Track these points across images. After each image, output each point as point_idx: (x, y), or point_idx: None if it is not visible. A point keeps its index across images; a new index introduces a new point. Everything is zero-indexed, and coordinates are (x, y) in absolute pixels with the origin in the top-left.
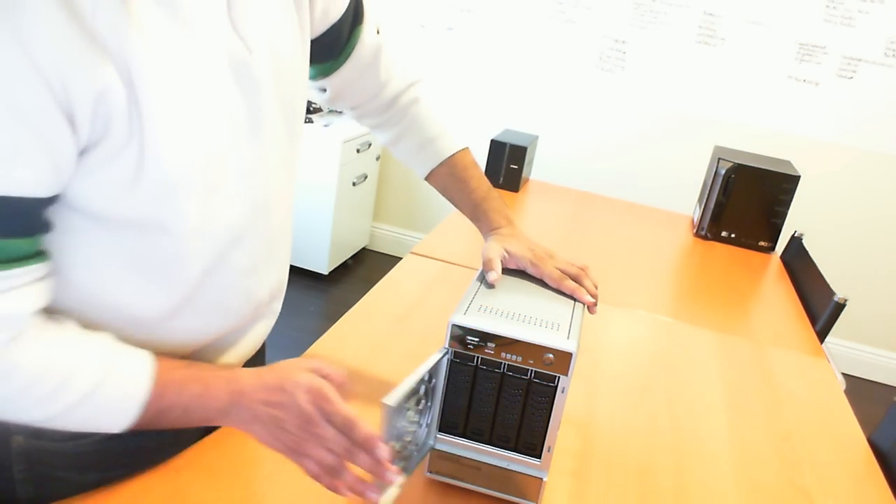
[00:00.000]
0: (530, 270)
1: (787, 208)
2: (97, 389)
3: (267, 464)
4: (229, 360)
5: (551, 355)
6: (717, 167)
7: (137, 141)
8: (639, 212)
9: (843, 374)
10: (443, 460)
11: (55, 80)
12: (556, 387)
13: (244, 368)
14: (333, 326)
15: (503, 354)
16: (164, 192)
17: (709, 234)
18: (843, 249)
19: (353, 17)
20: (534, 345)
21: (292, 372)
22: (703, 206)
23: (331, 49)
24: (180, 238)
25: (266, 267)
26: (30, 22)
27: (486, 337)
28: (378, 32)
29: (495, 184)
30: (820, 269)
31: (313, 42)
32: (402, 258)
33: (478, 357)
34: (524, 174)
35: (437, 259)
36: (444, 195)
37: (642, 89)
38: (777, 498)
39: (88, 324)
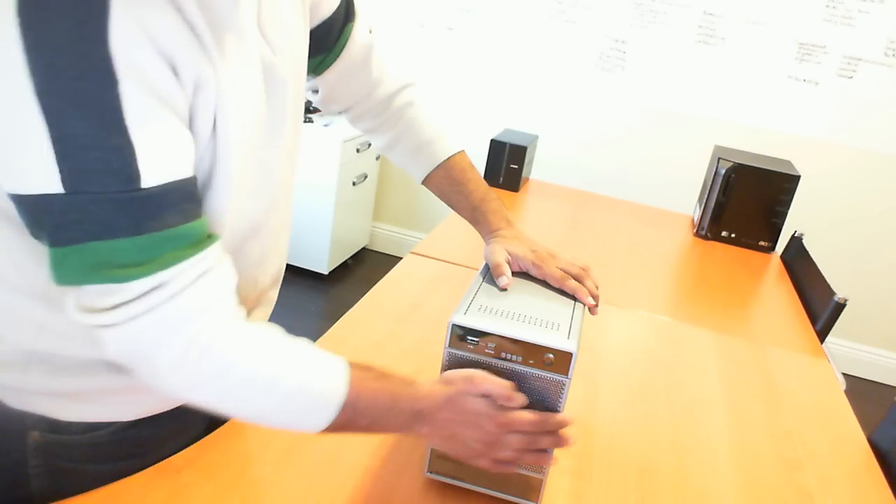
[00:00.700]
0: (533, 272)
1: (787, 208)
2: (303, 389)
3: (267, 464)
4: None
5: (551, 355)
6: (717, 167)
7: (213, 140)
8: (639, 212)
9: (843, 374)
10: (443, 460)
11: (171, 58)
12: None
13: (427, 384)
14: (333, 326)
15: (503, 354)
16: (225, 189)
17: (709, 234)
18: (843, 249)
19: (345, 15)
20: (534, 345)
21: (468, 401)
22: (703, 206)
23: (321, 44)
24: (220, 229)
25: (272, 257)
26: (151, 16)
27: (485, 337)
28: (370, 32)
29: (495, 184)
30: (820, 268)
31: None
32: (402, 258)
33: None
34: (524, 174)
35: (437, 259)
36: (441, 199)
37: (642, 89)
38: (777, 498)
39: None
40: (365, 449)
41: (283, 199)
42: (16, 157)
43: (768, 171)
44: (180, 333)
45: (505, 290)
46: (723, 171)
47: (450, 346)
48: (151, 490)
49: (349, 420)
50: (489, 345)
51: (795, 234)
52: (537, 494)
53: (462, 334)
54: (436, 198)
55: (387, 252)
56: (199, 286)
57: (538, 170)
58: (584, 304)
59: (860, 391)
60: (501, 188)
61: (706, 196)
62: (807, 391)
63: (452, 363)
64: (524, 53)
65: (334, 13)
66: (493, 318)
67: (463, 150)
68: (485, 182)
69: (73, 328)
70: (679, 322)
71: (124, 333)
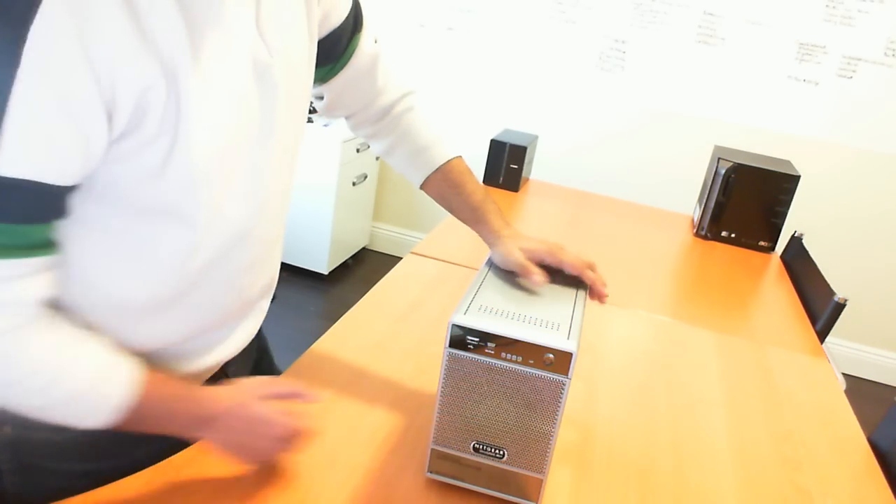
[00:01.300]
0: (548, 260)
1: (787, 208)
2: (83, 394)
3: (267, 464)
4: (219, 356)
5: (551, 355)
6: (717, 167)
7: (171, 133)
8: (639, 212)
9: (843, 374)
10: (443, 460)
11: (105, 76)
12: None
13: (214, 394)
14: (333, 326)
15: (503, 354)
16: (187, 183)
17: (709, 234)
18: (843, 249)
19: (353, 25)
20: (534, 345)
21: (249, 410)
22: (703, 206)
23: (329, 54)
24: (193, 230)
25: (262, 266)
26: (93, 17)
27: (486, 337)
28: (376, 42)
29: (495, 184)
30: (820, 268)
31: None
32: (402, 258)
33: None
34: (524, 174)
35: (437, 259)
36: (440, 203)
37: (642, 89)
38: (777, 498)
39: (80, 309)
40: (365, 449)
41: (274, 206)
42: None
43: (768, 171)
44: None
45: (539, 286)
46: (723, 171)
47: (450, 346)
48: (151, 490)
49: (135, 422)
50: (489, 345)
51: (795, 234)
52: (537, 494)
53: (462, 335)
54: None
55: (387, 252)
56: (3, 287)
57: (538, 170)
58: (601, 296)
59: (860, 391)
60: (501, 188)
61: (706, 196)
62: (807, 391)
63: (453, 363)
64: (524, 53)
65: (343, 23)
66: (493, 318)
67: (460, 156)
68: (483, 186)
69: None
70: (679, 322)
71: None
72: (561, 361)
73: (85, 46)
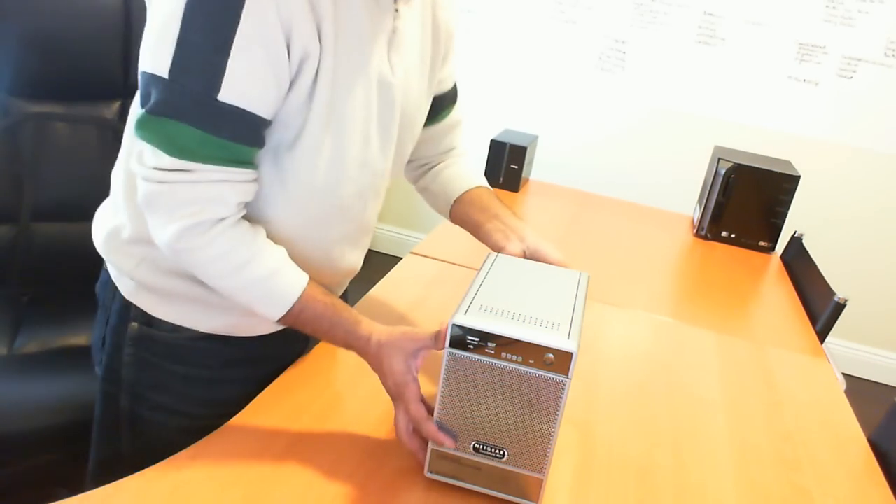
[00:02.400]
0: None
1: (787, 208)
2: (268, 279)
3: (268, 463)
4: None
5: (552, 355)
6: (717, 167)
7: (306, 112)
8: (639, 212)
9: (844, 374)
10: (443, 460)
11: (287, 31)
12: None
13: (368, 326)
14: None
15: (503, 354)
16: (309, 155)
17: (709, 235)
18: (843, 249)
19: (453, 96)
20: (534, 345)
21: (388, 358)
22: (703, 206)
23: (428, 113)
24: (307, 191)
25: (352, 247)
26: None
27: (485, 337)
28: (458, 111)
29: (495, 184)
30: (820, 269)
31: None
32: (402, 258)
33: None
34: (524, 174)
35: (437, 259)
36: (468, 228)
37: (642, 89)
38: (777, 498)
39: None
40: (365, 449)
41: (371, 200)
42: (155, 45)
43: (768, 171)
44: (180, 208)
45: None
46: (723, 172)
47: (450, 346)
48: (152, 488)
49: (294, 323)
50: (489, 345)
51: (795, 235)
52: (537, 494)
53: (462, 335)
54: None
55: (387, 252)
56: (213, 185)
57: (538, 170)
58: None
59: (860, 391)
60: (501, 188)
61: (706, 196)
62: (807, 391)
63: (453, 364)
64: (524, 53)
65: (448, 92)
66: (493, 318)
67: (486, 186)
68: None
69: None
70: (679, 322)
71: (149, 188)
72: (561, 361)
73: (278, 5)
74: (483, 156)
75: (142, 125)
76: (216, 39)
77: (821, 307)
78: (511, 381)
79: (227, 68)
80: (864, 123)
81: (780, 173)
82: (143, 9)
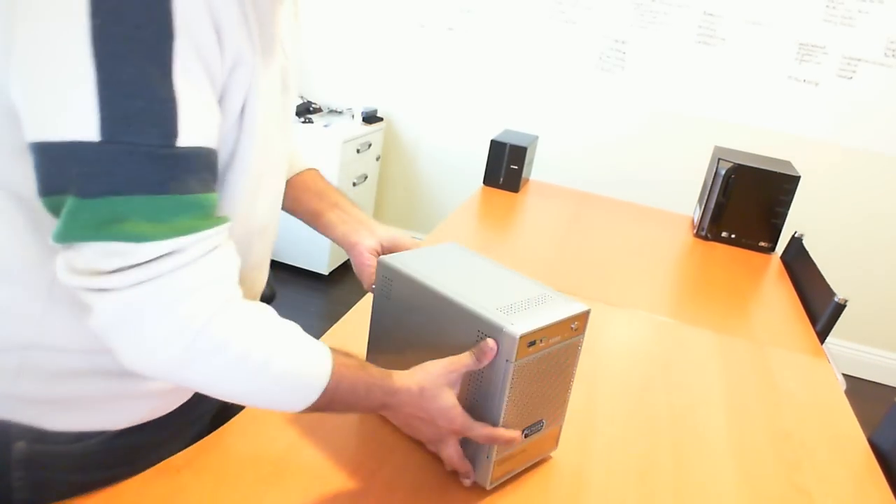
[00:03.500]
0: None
1: (787, 208)
2: (291, 372)
3: (267, 464)
4: None
5: (576, 322)
6: (717, 167)
7: (241, 119)
8: (639, 212)
9: (844, 374)
10: (501, 464)
11: (218, 27)
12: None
13: (401, 379)
14: (333, 326)
15: (549, 341)
16: (235, 176)
17: (709, 235)
18: (843, 249)
19: None
20: (567, 318)
21: (434, 400)
22: (703, 207)
23: None
24: (232, 212)
25: (266, 263)
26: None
27: (538, 334)
28: None
29: (495, 184)
30: (820, 269)
31: None
32: None
33: None
34: (524, 174)
35: None
36: (298, 215)
37: (642, 89)
38: (777, 498)
39: None
40: (365, 449)
41: (279, 205)
42: (53, 101)
43: (768, 171)
44: (181, 306)
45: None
46: (723, 172)
47: (516, 359)
48: (151, 490)
49: (327, 404)
50: (540, 340)
51: (795, 235)
52: (556, 441)
53: (523, 344)
54: (436, 198)
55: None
56: (207, 260)
57: (538, 170)
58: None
59: (860, 392)
60: (501, 189)
61: (706, 196)
62: (807, 391)
63: (517, 373)
64: (524, 53)
65: None
66: (528, 315)
67: (318, 170)
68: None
69: (72, 326)
70: (679, 322)
71: (122, 299)
72: (581, 322)
73: (210, 9)
74: (483, 156)
75: (74, 220)
76: (154, 65)
77: (821, 307)
78: (556, 360)
79: (178, 100)
80: (864, 123)
81: (780, 173)
82: None
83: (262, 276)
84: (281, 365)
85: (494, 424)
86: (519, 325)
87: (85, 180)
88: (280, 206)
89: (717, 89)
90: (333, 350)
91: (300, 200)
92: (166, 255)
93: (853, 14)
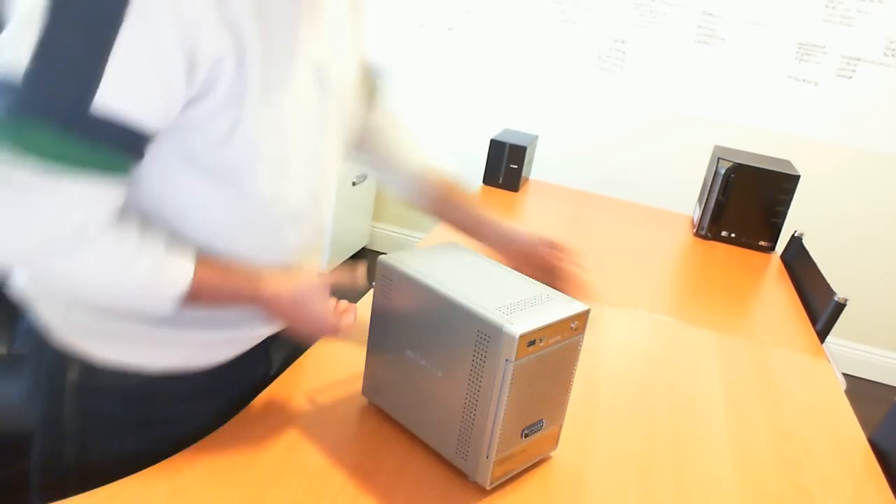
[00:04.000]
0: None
1: (787, 208)
2: (148, 282)
3: (267, 464)
4: (262, 330)
5: (576, 321)
6: (716, 167)
7: (236, 107)
8: (639, 212)
9: (844, 374)
10: (500, 464)
11: (188, 37)
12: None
13: (271, 284)
14: None
15: (549, 340)
16: (248, 157)
17: (709, 234)
18: (843, 249)
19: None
20: (563, 320)
21: (310, 304)
22: (702, 206)
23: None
24: (252, 203)
25: (309, 252)
26: None
27: (537, 333)
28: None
29: (495, 184)
30: (820, 268)
31: None
32: None
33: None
34: (524, 174)
35: None
36: (433, 210)
37: (642, 89)
38: (777, 498)
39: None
40: (365, 449)
41: (324, 197)
42: (10, 41)
43: (768, 170)
44: (43, 221)
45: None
46: (722, 171)
47: (516, 358)
48: (151, 490)
49: (195, 304)
50: (539, 340)
51: (795, 234)
52: (556, 440)
53: (523, 343)
54: None
55: (387, 252)
56: (81, 194)
57: (538, 170)
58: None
59: (860, 391)
60: (501, 188)
61: (706, 196)
62: (807, 391)
63: (518, 373)
64: (524, 53)
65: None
66: (528, 315)
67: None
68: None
69: None
70: (679, 322)
71: (14, 198)
72: (581, 321)
73: (175, 8)
74: (483, 156)
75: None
76: (92, 39)
77: (821, 307)
78: (556, 360)
79: (105, 73)
80: (863, 123)
81: (780, 173)
82: None
83: (307, 263)
84: (138, 274)
85: (494, 424)
86: (518, 324)
87: (9, 104)
88: (326, 198)
89: (716, 89)
90: (199, 260)
91: (451, 217)
92: (39, 177)
93: (853, 14)
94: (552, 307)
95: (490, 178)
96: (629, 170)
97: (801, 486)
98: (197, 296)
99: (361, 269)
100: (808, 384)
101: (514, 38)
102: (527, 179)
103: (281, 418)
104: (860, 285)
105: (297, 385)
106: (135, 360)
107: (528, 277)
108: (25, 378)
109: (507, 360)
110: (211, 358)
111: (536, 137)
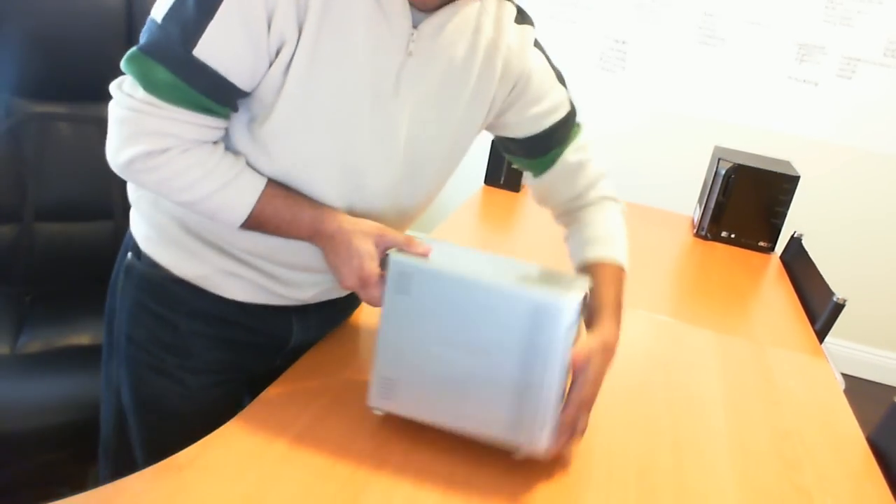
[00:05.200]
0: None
1: (787, 208)
2: (217, 194)
3: (268, 463)
4: (282, 292)
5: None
6: (717, 167)
7: (273, 96)
8: (639, 212)
9: (843, 374)
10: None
11: (271, 11)
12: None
13: (331, 213)
14: (336, 330)
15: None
16: (278, 118)
17: (709, 235)
18: (843, 249)
19: (560, 138)
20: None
21: (358, 248)
22: (703, 207)
23: (532, 151)
24: (289, 162)
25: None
26: None
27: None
28: (582, 149)
29: (496, 184)
30: (819, 269)
31: (522, 140)
32: None
33: None
34: None
35: None
36: None
37: (642, 89)
38: (776, 498)
39: None
40: (365, 449)
41: (371, 180)
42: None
43: (768, 171)
44: (145, 137)
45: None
46: (723, 172)
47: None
48: (152, 488)
49: (258, 225)
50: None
51: (795, 235)
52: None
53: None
54: (437, 199)
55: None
56: (179, 124)
57: None
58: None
59: (860, 391)
60: (502, 189)
61: (706, 196)
62: (806, 391)
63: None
64: None
65: (545, 132)
66: (561, 288)
67: (621, 265)
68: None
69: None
70: (679, 322)
71: (121, 114)
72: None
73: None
74: (483, 156)
75: (129, 59)
76: (205, 2)
77: (820, 307)
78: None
79: (207, 28)
80: (863, 123)
81: (780, 173)
82: (145, 10)
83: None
84: (208, 188)
85: (559, 402)
86: (570, 295)
87: (144, 42)
88: (384, 203)
89: (717, 89)
90: (270, 183)
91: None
92: (150, 104)
93: (852, 14)
94: (570, 280)
95: (491, 178)
96: (629, 170)
97: (799, 486)
98: (262, 212)
99: (423, 244)
100: (808, 384)
101: None
102: None
103: (281, 418)
104: (859, 286)
105: (297, 385)
106: (164, 258)
107: (523, 261)
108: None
109: (567, 328)
110: (226, 290)
111: None
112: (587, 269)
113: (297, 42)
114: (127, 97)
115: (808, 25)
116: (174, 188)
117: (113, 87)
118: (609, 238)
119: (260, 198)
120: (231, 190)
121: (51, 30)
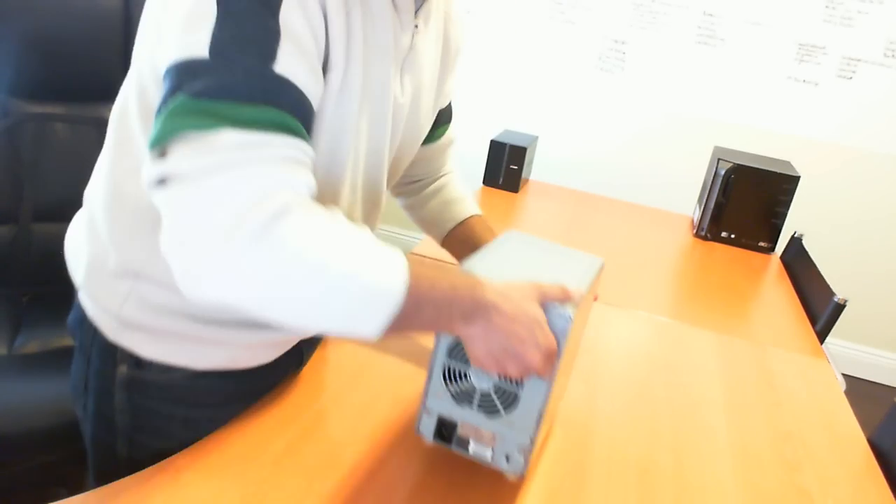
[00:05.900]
0: None
1: (787, 209)
2: (357, 274)
3: (267, 464)
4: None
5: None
6: (716, 167)
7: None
8: (639, 212)
9: (843, 374)
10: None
11: (322, 16)
12: None
13: (487, 283)
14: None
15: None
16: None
17: (709, 235)
18: (843, 249)
19: (449, 114)
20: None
21: (534, 313)
22: (702, 207)
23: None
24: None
25: None
26: None
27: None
28: (452, 132)
29: (495, 185)
30: (820, 269)
31: None
32: None
33: None
34: (524, 175)
35: (437, 259)
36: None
37: (642, 90)
38: (777, 498)
39: None
40: (365, 449)
41: (363, 225)
42: (183, 31)
43: (768, 171)
44: (252, 199)
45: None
46: (722, 172)
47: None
48: (152, 489)
49: (413, 311)
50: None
51: (795, 235)
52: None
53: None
54: None
55: None
56: (287, 163)
57: (538, 171)
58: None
59: (860, 392)
60: (501, 189)
61: (706, 197)
62: (807, 392)
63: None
64: (524, 54)
65: (445, 109)
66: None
67: (480, 215)
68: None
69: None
70: (679, 322)
71: (193, 190)
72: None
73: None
74: (483, 156)
75: (178, 113)
76: (264, 6)
77: (820, 307)
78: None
79: (282, 33)
80: (863, 124)
81: (780, 174)
82: (143, 11)
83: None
84: (342, 266)
85: (547, 392)
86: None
87: (191, 84)
88: (360, 224)
89: (716, 90)
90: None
91: (463, 252)
92: (247, 144)
93: (853, 14)
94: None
95: (490, 179)
96: (629, 170)
97: (800, 487)
98: (417, 285)
99: (575, 289)
100: (808, 385)
101: (514, 38)
102: (527, 180)
103: (280, 419)
104: (860, 286)
105: (297, 385)
106: (180, 357)
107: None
108: (74, 370)
109: (568, 316)
110: (252, 360)
111: (536, 138)
112: (466, 222)
113: (345, 69)
114: (196, 157)
115: (808, 25)
116: (300, 275)
117: (149, 167)
118: (470, 198)
119: (409, 268)
120: (382, 251)
121: (48, 30)
